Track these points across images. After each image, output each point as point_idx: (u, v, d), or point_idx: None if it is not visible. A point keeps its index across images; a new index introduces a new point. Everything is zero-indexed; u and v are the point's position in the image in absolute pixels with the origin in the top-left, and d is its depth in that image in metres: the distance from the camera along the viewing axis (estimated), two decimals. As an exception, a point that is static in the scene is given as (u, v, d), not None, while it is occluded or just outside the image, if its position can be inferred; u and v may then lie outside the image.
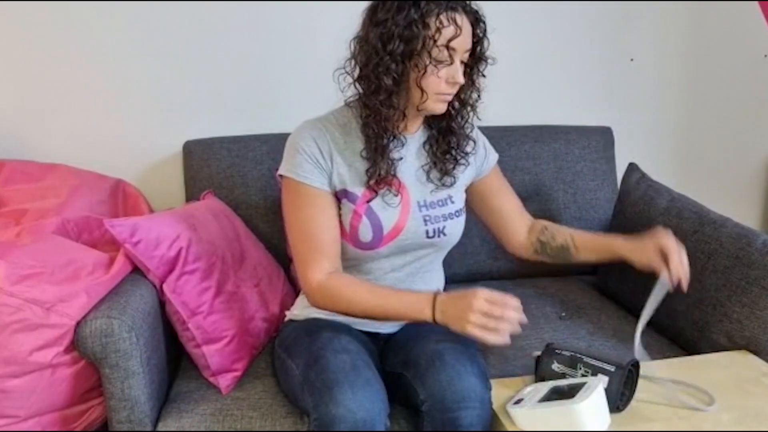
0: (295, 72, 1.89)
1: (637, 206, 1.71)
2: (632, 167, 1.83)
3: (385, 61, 1.21)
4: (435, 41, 1.19)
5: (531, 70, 2.09)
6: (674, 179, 1.92)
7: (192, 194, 1.80)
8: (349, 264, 1.37)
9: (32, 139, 1.83)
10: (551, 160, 1.92)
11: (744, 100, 2.26)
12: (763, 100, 2.27)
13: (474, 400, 1.17)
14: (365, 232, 1.31)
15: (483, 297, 1.13)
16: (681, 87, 2.21)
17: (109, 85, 1.84)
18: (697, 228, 1.54)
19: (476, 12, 1.26)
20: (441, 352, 1.23)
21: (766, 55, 2.23)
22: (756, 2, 2.17)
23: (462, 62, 1.25)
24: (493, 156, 1.51)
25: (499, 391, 1.26)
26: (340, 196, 1.32)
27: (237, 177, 1.78)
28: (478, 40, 1.27)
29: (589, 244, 1.47)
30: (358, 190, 1.31)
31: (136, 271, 1.38)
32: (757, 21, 2.19)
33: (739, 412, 1.22)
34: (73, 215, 1.53)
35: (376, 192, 1.31)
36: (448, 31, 1.19)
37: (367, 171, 1.30)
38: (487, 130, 1.89)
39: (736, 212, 1.68)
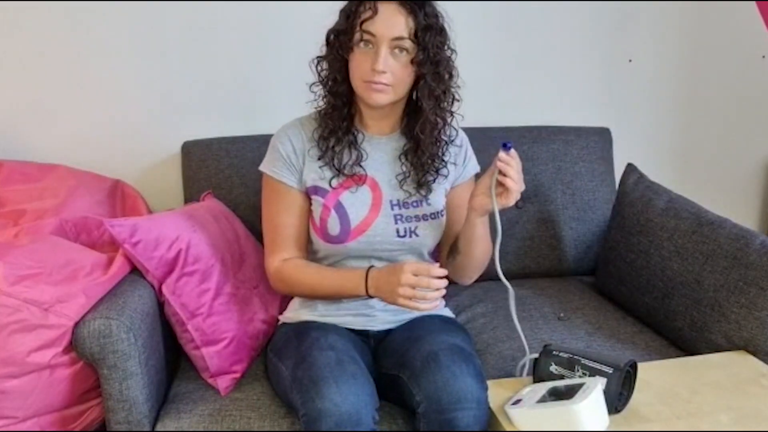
0: (293, 73, 1.89)
1: (635, 207, 1.71)
2: (630, 168, 1.83)
3: (330, 51, 1.32)
4: (353, 24, 1.27)
5: (529, 71, 2.08)
6: (672, 180, 1.92)
7: (190, 195, 1.80)
8: (323, 263, 1.41)
9: (31, 140, 1.83)
10: (549, 160, 1.92)
11: (742, 101, 2.26)
12: (761, 101, 2.27)
13: (470, 400, 1.17)
14: (333, 226, 1.35)
15: (410, 271, 1.20)
16: (679, 88, 2.21)
17: (107, 85, 1.84)
18: (695, 228, 1.54)
19: (415, 5, 1.25)
20: (436, 353, 1.23)
21: (764, 56, 2.23)
22: (754, 3, 2.18)
23: (398, 50, 1.26)
24: (473, 167, 1.48)
25: (498, 391, 1.26)
26: (311, 193, 1.37)
27: (236, 177, 1.78)
28: (417, 35, 1.26)
29: (462, 233, 1.38)
30: (328, 185, 1.36)
31: (135, 271, 1.38)
32: (755, 22, 2.19)
33: (738, 412, 1.22)
34: (71, 216, 1.53)
35: (345, 187, 1.36)
36: (365, 14, 1.26)
37: (321, 158, 1.34)
38: (485, 131, 1.88)
39: (734, 213, 1.68)
